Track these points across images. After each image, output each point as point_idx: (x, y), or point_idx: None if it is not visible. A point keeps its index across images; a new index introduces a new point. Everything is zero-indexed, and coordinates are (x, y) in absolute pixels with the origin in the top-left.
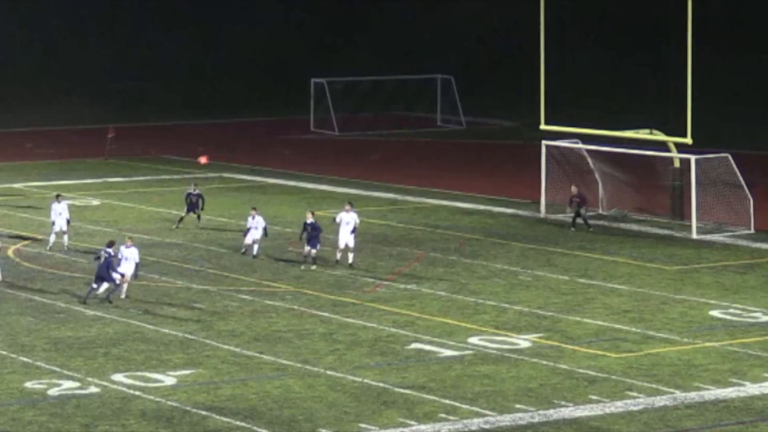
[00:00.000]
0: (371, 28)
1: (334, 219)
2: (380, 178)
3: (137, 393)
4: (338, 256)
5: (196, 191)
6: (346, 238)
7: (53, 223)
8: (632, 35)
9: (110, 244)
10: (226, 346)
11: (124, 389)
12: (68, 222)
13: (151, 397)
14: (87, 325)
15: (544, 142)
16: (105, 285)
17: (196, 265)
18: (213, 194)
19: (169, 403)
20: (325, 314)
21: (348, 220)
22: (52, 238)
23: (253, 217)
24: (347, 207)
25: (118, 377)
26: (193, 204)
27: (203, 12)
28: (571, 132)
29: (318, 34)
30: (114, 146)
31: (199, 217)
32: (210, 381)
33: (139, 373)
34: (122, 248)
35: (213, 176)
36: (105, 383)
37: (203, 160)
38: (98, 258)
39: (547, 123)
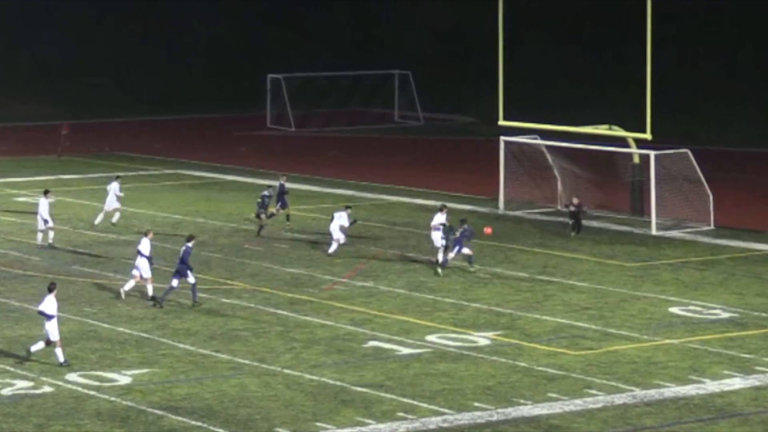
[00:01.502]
0: (328, 23)
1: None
2: (337, 175)
3: (92, 392)
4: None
5: (283, 183)
6: (435, 236)
7: (46, 222)
8: (592, 31)
9: (190, 239)
10: (181, 345)
11: (79, 389)
12: (45, 221)
13: (106, 397)
14: (40, 324)
15: (502, 138)
16: (187, 279)
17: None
18: (168, 191)
19: (124, 402)
20: (282, 312)
21: (443, 221)
22: (40, 236)
23: (347, 214)
24: (444, 210)
25: (72, 377)
26: (284, 201)
27: (158, 8)
28: (529, 128)
29: (274, 29)
30: (68, 143)
31: (288, 216)
32: (165, 380)
33: (93, 373)
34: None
35: (169, 173)
36: (59, 383)
37: (488, 231)
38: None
39: (505, 119)
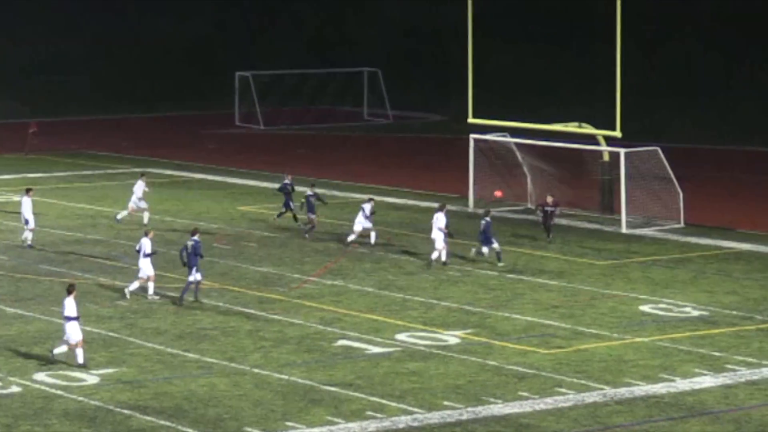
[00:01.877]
0: (297, 20)
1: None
2: (306, 173)
3: (59, 392)
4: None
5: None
6: (436, 235)
7: (27, 222)
8: (561, 28)
9: (194, 233)
10: (150, 344)
11: (46, 388)
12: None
13: (74, 397)
14: (7, 323)
15: (472, 136)
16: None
17: (119, 261)
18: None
19: (92, 402)
20: (251, 311)
21: (441, 218)
22: (24, 234)
23: (371, 205)
24: (444, 209)
25: (40, 376)
26: (290, 198)
27: (127, 5)
28: (499, 125)
29: (243, 26)
30: (35, 141)
31: (295, 217)
32: (134, 379)
33: (61, 372)
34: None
35: (138, 171)
36: (27, 382)
37: (498, 194)
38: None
39: (475, 116)
